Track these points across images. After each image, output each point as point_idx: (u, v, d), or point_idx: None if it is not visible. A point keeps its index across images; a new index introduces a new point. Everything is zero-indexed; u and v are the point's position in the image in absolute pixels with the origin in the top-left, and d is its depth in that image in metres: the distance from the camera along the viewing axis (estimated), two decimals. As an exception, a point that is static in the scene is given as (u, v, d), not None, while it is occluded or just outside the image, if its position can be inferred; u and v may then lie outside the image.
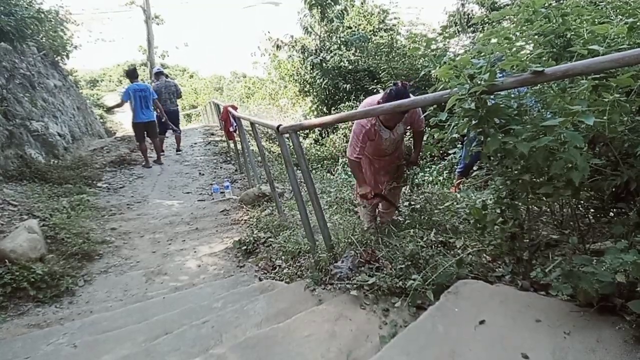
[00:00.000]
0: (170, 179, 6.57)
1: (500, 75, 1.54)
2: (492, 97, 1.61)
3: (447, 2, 11.05)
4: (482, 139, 1.68)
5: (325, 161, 7.95)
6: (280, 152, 4.26)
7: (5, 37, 5.99)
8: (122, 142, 8.70)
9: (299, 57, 10.95)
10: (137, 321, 2.30)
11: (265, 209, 4.22)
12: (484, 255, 2.03)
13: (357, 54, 10.26)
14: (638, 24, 1.59)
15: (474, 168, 4.36)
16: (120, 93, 6.55)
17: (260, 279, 2.79)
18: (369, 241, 2.50)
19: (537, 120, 1.50)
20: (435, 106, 2.31)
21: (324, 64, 10.08)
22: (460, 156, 4.75)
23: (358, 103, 8.82)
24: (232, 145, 7.32)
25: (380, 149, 2.84)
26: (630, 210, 1.58)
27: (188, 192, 5.89)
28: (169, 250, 3.71)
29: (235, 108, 5.76)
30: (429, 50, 2.09)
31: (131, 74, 6.75)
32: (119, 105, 7.33)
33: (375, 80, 8.77)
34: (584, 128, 1.42)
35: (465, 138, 4.14)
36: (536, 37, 1.66)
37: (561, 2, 1.78)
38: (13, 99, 5.67)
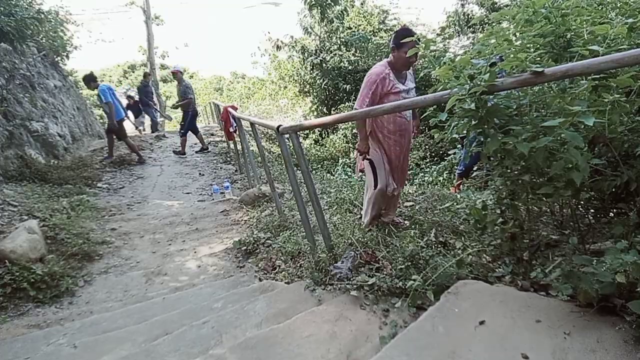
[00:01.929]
0: (170, 179, 6.57)
1: (499, 75, 1.54)
2: (491, 97, 1.61)
3: (447, 2, 11.05)
4: (482, 140, 1.68)
5: (325, 161, 7.96)
6: (280, 152, 4.25)
7: (5, 37, 6.00)
8: (122, 142, 8.69)
9: (299, 57, 10.96)
10: (137, 322, 2.30)
11: (265, 210, 4.22)
12: (484, 255, 2.03)
13: (357, 54, 10.27)
14: (638, 24, 1.59)
15: (474, 169, 4.37)
16: (103, 98, 6.47)
17: (260, 280, 2.79)
18: (369, 241, 2.50)
19: (537, 121, 1.50)
20: (435, 106, 2.31)
21: (324, 65, 10.09)
22: (460, 157, 4.76)
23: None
24: (232, 145, 7.32)
25: (398, 116, 2.69)
26: (630, 211, 1.58)
27: (188, 193, 5.89)
28: (169, 250, 3.71)
29: (235, 108, 5.77)
30: (429, 51, 2.10)
31: (93, 77, 6.72)
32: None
33: (375, 81, 8.76)
34: (584, 128, 1.42)
35: (465, 139, 4.15)
36: (536, 37, 1.66)
37: (561, 2, 1.78)
38: (13, 99, 5.67)
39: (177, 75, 7.60)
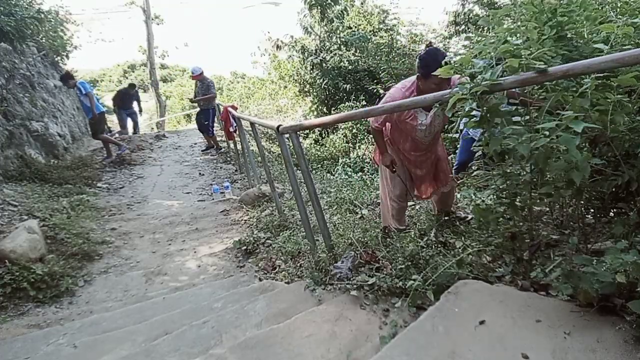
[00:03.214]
0: (170, 179, 6.57)
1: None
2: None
3: (447, 2, 11.04)
4: (482, 138, 1.68)
5: (325, 161, 7.94)
6: (280, 152, 4.25)
7: (5, 37, 6.00)
8: (121, 142, 8.69)
9: (299, 57, 10.95)
10: (137, 321, 2.30)
11: (265, 209, 4.22)
12: (484, 255, 2.02)
13: (357, 54, 10.25)
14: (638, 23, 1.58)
15: (474, 168, 4.35)
16: (83, 89, 6.40)
17: (260, 279, 2.79)
18: (369, 241, 2.50)
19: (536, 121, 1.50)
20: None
21: (324, 64, 10.08)
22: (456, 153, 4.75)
23: (358, 103, 8.80)
24: (232, 145, 7.32)
25: (414, 140, 2.53)
26: (630, 210, 1.58)
27: (188, 193, 5.89)
28: (169, 250, 3.71)
29: (235, 108, 5.77)
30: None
31: (70, 75, 6.68)
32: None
33: (375, 80, 8.76)
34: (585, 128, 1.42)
35: (459, 134, 4.16)
36: (539, 36, 1.65)
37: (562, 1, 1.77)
38: (13, 99, 5.67)
39: (200, 76, 7.35)
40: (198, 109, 7.84)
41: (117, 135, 9.04)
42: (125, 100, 9.48)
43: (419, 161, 2.66)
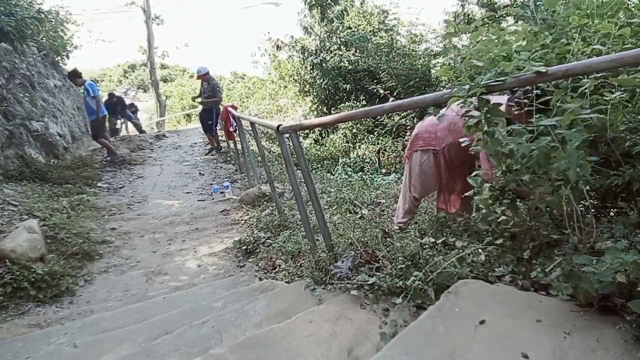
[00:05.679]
0: (170, 179, 6.57)
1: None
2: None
3: (447, 2, 11.04)
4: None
5: (325, 161, 7.95)
6: (280, 152, 4.26)
7: (5, 37, 6.00)
8: (122, 142, 8.71)
9: (299, 57, 10.94)
10: (137, 321, 2.30)
11: (265, 209, 4.22)
12: (484, 254, 2.02)
13: (357, 54, 10.24)
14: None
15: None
16: (92, 92, 6.42)
17: (260, 279, 2.79)
18: (369, 241, 2.50)
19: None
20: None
21: (324, 64, 10.08)
22: None
23: (358, 103, 8.81)
24: (232, 145, 7.32)
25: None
26: (631, 210, 1.58)
27: (188, 192, 5.89)
28: (169, 250, 3.71)
29: (235, 108, 5.77)
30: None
31: (78, 74, 6.66)
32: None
33: (375, 80, 8.76)
34: (586, 127, 1.42)
35: None
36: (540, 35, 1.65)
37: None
38: (13, 99, 5.67)
39: (205, 76, 7.32)
40: (201, 108, 7.84)
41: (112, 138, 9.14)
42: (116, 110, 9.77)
43: (461, 173, 2.53)
